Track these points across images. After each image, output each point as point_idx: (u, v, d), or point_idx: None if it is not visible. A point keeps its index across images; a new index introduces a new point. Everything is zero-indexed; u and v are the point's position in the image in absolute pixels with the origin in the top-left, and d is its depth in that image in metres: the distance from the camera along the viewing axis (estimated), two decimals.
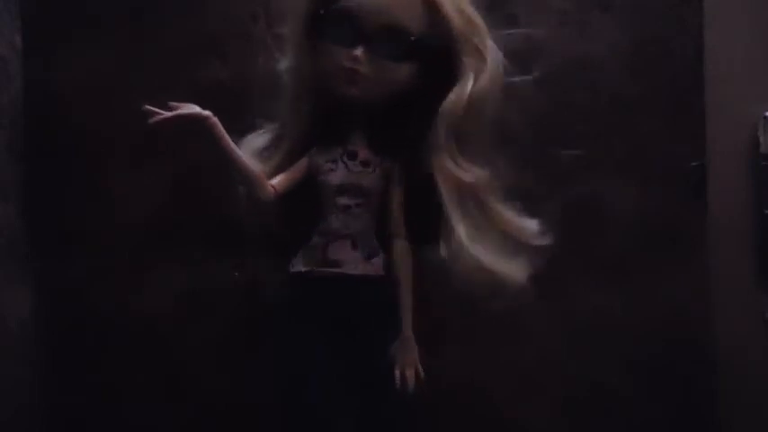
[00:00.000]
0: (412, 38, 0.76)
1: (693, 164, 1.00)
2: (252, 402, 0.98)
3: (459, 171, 0.77)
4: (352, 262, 0.82)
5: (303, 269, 0.83)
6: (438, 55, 0.78)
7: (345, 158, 0.82)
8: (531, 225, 0.81)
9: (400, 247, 0.83)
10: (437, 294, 0.90)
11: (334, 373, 0.83)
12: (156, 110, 0.76)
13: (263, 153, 0.84)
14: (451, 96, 0.77)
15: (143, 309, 1.00)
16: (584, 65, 1.01)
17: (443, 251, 0.79)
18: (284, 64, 0.86)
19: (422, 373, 0.83)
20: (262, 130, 0.87)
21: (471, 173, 0.77)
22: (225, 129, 0.78)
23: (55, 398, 1.00)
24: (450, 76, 0.79)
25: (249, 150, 0.83)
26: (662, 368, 0.99)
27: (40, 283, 1.01)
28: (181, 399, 1.00)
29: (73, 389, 1.01)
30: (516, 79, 1.00)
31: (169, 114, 0.76)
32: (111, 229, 1.01)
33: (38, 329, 1.00)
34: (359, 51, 0.75)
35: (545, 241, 0.81)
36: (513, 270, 0.79)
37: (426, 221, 0.82)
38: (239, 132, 0.84)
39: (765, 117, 1.03)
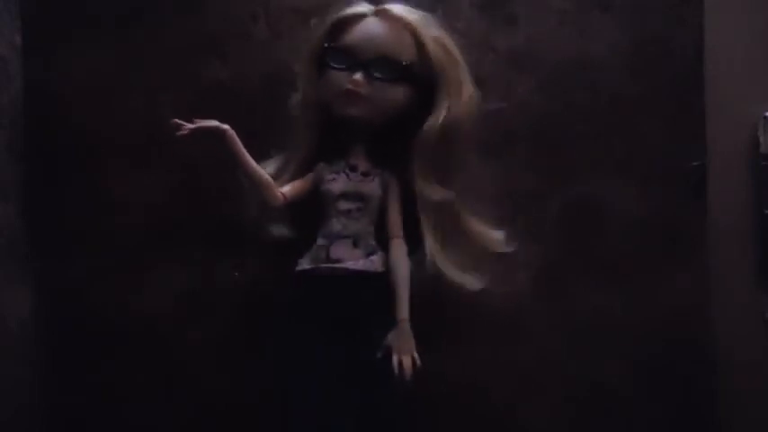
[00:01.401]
0: (404, 63, 0.87)
1: (693, 164, 1.00)
2: (252, 402, 0.98)
3: (428, 190, 0.89)
4: (353, 258, 0.87)
5: (308, 267, 0.88)
6: (426, 82, 0.88)
7: (347, 170, 0.90)
8: (497, 235, 0.93)
9: (398, 245, 0.89)
10: (437, 295, 0.91)
11: (334, 372, 0.84)
12: (183, 123, 0.84)
13: (276, 173, 0.93)
14: (426, 125, 0.88)
15: (143, 309, 1.00)
16: (584, 65, 1.01)
17: (412, 260, 0.89)
18: (296, 97, 0.95)
19: (418, 361, 0.84)
20: (274, 158, 0.94)
21: (439, 193, 0.89)
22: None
23: (55, 398, 1.00)
24: (435, 102, 0.89)
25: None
26: (662, 368, 0.99)
27: (40, 283, 1.00)
28: (181, 399, 1.00)
29: (73, 389, 1.01)
30: (516, 79, 1.00)
31: (193, 126, 0.85)
32: (111, 229, 1.01)
33: (38, 329, 1.00)
34: (358, 75, 0.87)
35: (510, 249, 0.93)
36: (470, 281, 0.91)
37: (414, 226, 0.90)
38: (240, 132, 0.86)
39: (765, 117, 1.03)
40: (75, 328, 1.01)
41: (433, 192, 0.88)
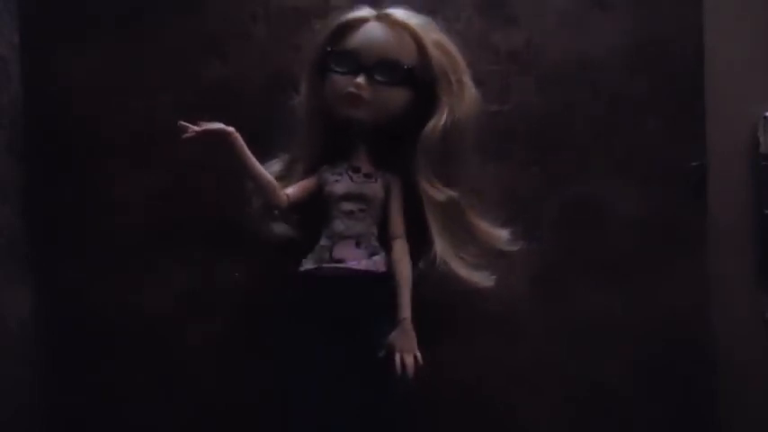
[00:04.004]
0: (405, 66, 0.88)
1: (693, 164, 1.00)
2: (252, 402, 0.98)
3: (432, 191, 0.90)
4: (355, 258, 0.88)
5: (311, 266, 0.89)
6: (427, 84, 0.89)
7: (350, 172, 0.91)
8: (502, 234, 0.94)
9: (400, 245, 0.90)
10: (437, 294, 0.91)
11: (334, 372, 0.85)
12: (189, 125, 0.85)
13: (280, 175, 0.94)
14: (428, 126, 0.89)
15: (143, 309, 1.00)
16: (584, 65, 1.01)
17: (421, 262, 0.90)
18: (299, 99, 0.96)
19: (420, 360, 0.85)
20: (277, 159, 0.95)
21: (444, 193, 0.89)
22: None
23: (55, 398, 1.00)
24: (437, 103, 0.90)
25: (269, 173, 0.92)
26: (662, 368, 0.99)
27: (40, 283, 1.01)
28: (181, 399, 1.00)
29: (73, 389, 1.01)
30: (516, 79, 1.00)
31: (199, 129, 0.85)
32: (111, 229, 1.01)
33: (38, 329, 1.00)
34: (360, 79, 0.88)
35: (515, 247, 0.94)
36: (481, 278, 0.92)
37: (419, 226, 0.90)
38: (240, 132, 0.86)
39: (765, 117, 1.03)
40: (75, 328, 1.01)
41: (438, 192, 0.89)
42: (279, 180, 0.91)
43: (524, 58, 1.00)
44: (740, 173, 1.04)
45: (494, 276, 0.92)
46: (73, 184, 1.02)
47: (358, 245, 0.89)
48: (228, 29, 1.01)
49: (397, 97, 0.90)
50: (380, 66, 0.88)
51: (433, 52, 0.89)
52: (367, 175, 0.91)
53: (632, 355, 0.99)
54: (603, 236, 1.00)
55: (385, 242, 0.91)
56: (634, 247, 1.00)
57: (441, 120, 0.89)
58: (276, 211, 0.93)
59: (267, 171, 0.91)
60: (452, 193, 0.90)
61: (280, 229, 0.95)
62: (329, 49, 0.90)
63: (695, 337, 0.99)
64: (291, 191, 0.91)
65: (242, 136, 0.86)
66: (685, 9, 1.01)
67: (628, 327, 0.99)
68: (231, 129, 0.86)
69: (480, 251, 0.93)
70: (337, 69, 0.89)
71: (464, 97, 0.91)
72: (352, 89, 0.88)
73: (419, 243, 0.90)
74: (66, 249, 1.01)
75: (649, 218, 1.00)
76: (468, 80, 0.92)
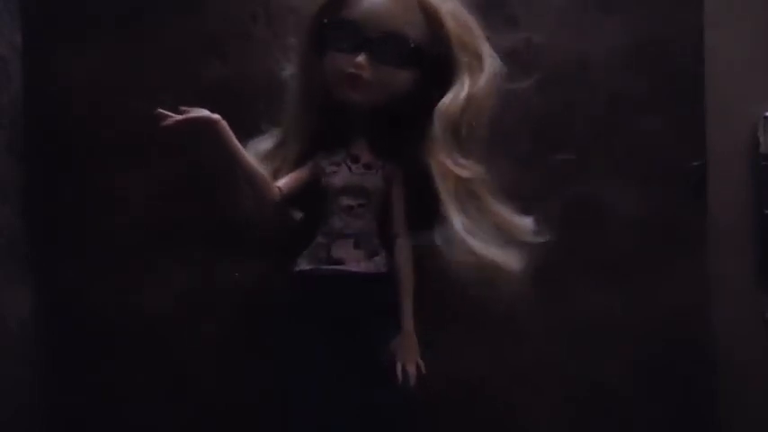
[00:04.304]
0: (412, 44, 0.79)
1: (693, 164, 1.00)
2: (252, 402, 0.98)
3: (455, 167, 0.79)
4: (355, 260, 0.84)
5: (307, 267, 0.85)
6: (437, 62, 0.81)
7: (348, 162, 0.85)
8: (526, 223, 0.84)
9: (402, 245, 0.86)
10: (437, 294, 0.91)
11: (334, 372, 0.84)
12: (168, 113, 0.78)
13: (268, 157, 0.87)
14: (449, 96, 0.79)
15: (143, 309, 1.00)
16: (584, 65, 1.01)
17: (438, 238, 0.81)
18: (289, 72, 0.88)
19: (423, 369, 0.84)
20: (266, 135, 0.89)
21: (468, 169, 0.80)
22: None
23: (55, 398, 1.00)
24: (448, 81, 0.81)
25: (255, 154, 0.86)
26: (662, 368, 0.99)
27: (40, 283, 1.00)
28: (181, 399, 1.00)
29: (73, 389, 1.01)
30: (516, 79, 1.00)
31: (180, 117, 0.79)
32: (111, 228, 1.01)
33: (38, 329, 1.00)
34: (361, 57, 0.79)
35: (539, 239, 0.83)
36: (506, 258, 0.81)
37: (425, 215, 0.84)
38: (240, 132, 0.85)
39: (765, 117, 1.03)
40: (75, 328, 1.01)
41: (461, 169, 0.79)
42: (268, 163, 0.84)
43: (524, 58, 1.00)
44: (740, 173, 1.04)
45: (521, 260, 0.81)
46: (73, 184, 1.02)
47: (356, 244, 0.84)
48: (228, 29, 1.01)
49: (403, 79, 0.80)
50: (384, 42, 0.78)
51: (449, 21, 0.79)
52: (367, 166, 0.85)
53: (632, 355, 0.99)
54: (603, 236, 1.00)
55: (385, 239, 0.86)
56: (634, 247, 1.00)
57: (463, 89, 0.79)
58: (269, 206, 0.85)
59: (256, 148, 0.85)
60: (479, 168, 0.80)
61: (273, 222, 0.89)
62: (326, 20, 0.80)
63: (695, 337, 0.99)
64: (284, 183, 0.84)
65: (242, 136, 0.84)
66: (685, 9, 1.01)
67: (628, 327, 0.99)
68: (217, 116, 0.80)
69: (500, 235, 0.82)
70: (335, 45, 0.79)
71: (484, 71, 0.81)
72: (351, 69, 0.79)
73: (427, 232, 0.84)
74: (66, 249, 1.01)
75: (649, 218, 1.00)
76: (486, 50, 0.82)
